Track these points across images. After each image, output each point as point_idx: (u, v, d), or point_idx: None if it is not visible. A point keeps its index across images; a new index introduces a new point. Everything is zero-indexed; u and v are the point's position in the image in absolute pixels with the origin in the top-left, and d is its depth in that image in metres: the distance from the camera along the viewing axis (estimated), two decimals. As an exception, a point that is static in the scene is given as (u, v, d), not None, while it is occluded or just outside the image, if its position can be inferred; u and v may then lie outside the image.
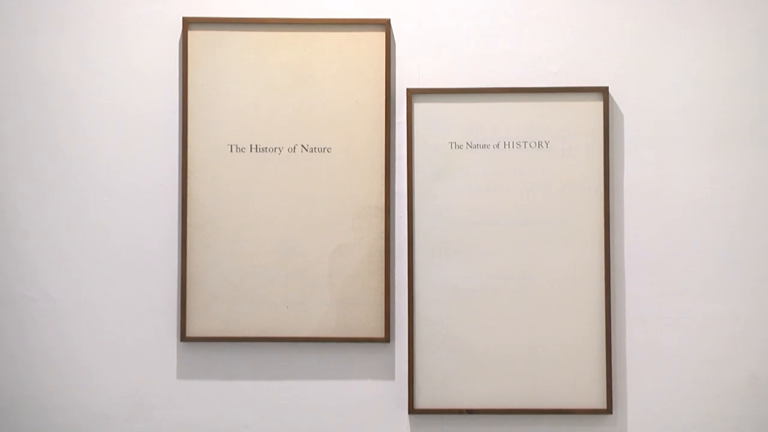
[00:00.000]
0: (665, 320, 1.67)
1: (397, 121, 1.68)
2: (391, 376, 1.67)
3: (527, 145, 1.65)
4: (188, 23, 1.67)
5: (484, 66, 1.68)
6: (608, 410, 1.64)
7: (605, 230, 1.64)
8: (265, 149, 1.66)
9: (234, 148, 1.66)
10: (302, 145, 1.66)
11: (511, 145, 1.65)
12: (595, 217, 1.64)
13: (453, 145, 1.66)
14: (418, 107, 1.65)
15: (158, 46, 1.69)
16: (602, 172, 1.64)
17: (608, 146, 1.64)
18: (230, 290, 1.65)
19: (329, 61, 1.66)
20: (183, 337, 1.66)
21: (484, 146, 1.65)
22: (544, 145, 1.65)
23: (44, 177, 1.68)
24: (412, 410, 1.65)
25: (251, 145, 1.66)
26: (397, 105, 1.68)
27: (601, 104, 1.65)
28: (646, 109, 1.68)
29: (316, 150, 1.65)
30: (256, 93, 1.65)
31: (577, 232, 1.64)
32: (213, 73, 1.66)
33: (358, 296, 1.64)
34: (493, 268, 1.64)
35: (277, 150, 1.65)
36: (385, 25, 1.66)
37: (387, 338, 1.64)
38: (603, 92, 1.65)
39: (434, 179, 1.65)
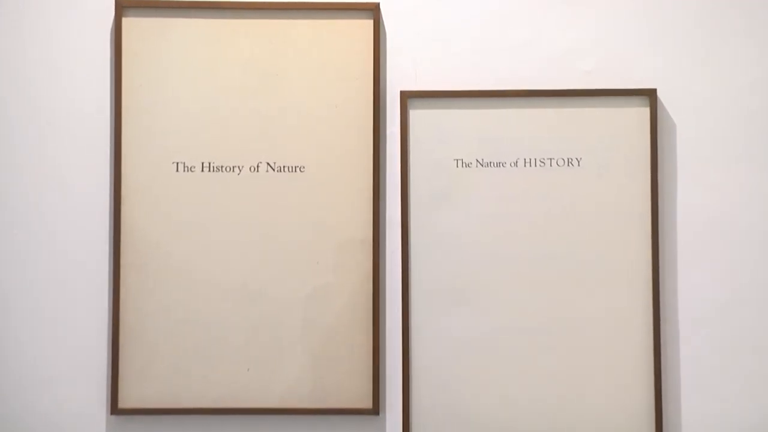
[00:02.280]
0: (731, 386, 1.53)
1: (388, 132, 1.57)
2: (381, 457, 1.54)
3: (553, 162, 1.54)
4: (123, 8, 1.54)
5: (497, 63, 1.57)
6: (659, 502, 1.50)
7: (653, 271, 1.51)
8: (221, 168, 1.54)
9: (181, 166, 1.54)
10: (268, 163, 1.54)
11: (532, 163, 1.54)
12: (640, 253, 1.53)
13: (459, 162, 1.55)
14: (415, 114, 1.56)
15: (85, 37, 1.57)
16: (649, 197, 1.53)
17: (656, 164, 1.53)
18: (175, 347, 1.52)
19: (303, 55, 1.55)
20: (114, 408, 1.51)
21: (498, 164, 1.54)
22: (574, 162, 1.54)
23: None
24: (408, 502, 1.52)
25: (203, 163, 1.54)
26: (389, 111, 1.57)
27: (647, 111, 1.54)
28: (705, 117, 1.56)
29: (287, 169, 1.54)
30: (210, 97, 1.55)
31: (617, 274, 1.52)
32: (154, 71, 1.55)
33: (339, 354, 1.53)
34: (511, 318, 1.52)
35: (237, 169, 1.54)
36: (373, 11, 1.55)
37: (376, 409, 1.52)
38: (650, 96, 1.54)
39: (436, 205, 1.55)
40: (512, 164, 1.53)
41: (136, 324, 1.51)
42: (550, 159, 1.53)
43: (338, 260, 1.53)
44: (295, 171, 1.54)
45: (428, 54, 1.57)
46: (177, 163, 1.53)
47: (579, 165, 1.53)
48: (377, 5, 1.54)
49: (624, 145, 1.53)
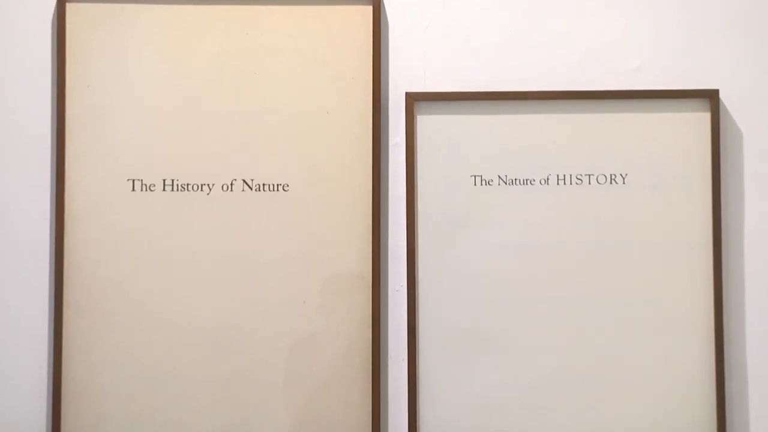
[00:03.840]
0: (811, 454, 1.42)
1: (391, 143, 1.48)
2: None
3: (593, 179, 1.46)
4: (67, -7, 1.46)
5: (524, 59, 1.49)
6: None
7: (716, 312, 1.41)
8: (186, 187, 1.46)
9: (138, 184, 1.46)
10: (244, 181, 1.46)
11: (568, 180, 1.46)
12: (700, 289, 1.43)
13: (478, 179, 1.47)
14: (424, 121, 1.48)
15: (21, 28, 1.48)
16: (710, 220, 1.44)
17: (719, 180, 1.44)
18: (128, 408, 1.42)
19: (286, 50, 1.48)
20: (54, 482, 1.39)
21: (526, 182, 1.47)
22: (619, 179, 1.46)
23: None
24: None
25: (165, 181, 1.46)
26: (392, 118, 1.49)
27: (707, 116, 1.46)
28: (778, 123, 1.49)
29: (267, 188, 1.46)
30: (174, 100, 1.47)
31: (672, 314, 1.42)
32: (105, 68, 1.47)
33: (331, 416, 1.43)
34: (543, 371, 1.43)
35: (206, 187, 1.46)
36: (372, -5, 1.47)
37: (376, 483, 1.40)
38: (710, 98, 1.46)
39: (449, 232, 1.46)
40: (543, 181, 1.46)
41: (83, 378, 1.41)
42: (589, 175, 1.46)
43: (330, 300, 1.44)
44: (277, 190, 1.46)
45: (439, 48, 1.50)
46: (133, 181, 1.45)
47: (624, 182, 1.46)
48: (378, -11, 1.43)
49: (679, 157, 1.45)
